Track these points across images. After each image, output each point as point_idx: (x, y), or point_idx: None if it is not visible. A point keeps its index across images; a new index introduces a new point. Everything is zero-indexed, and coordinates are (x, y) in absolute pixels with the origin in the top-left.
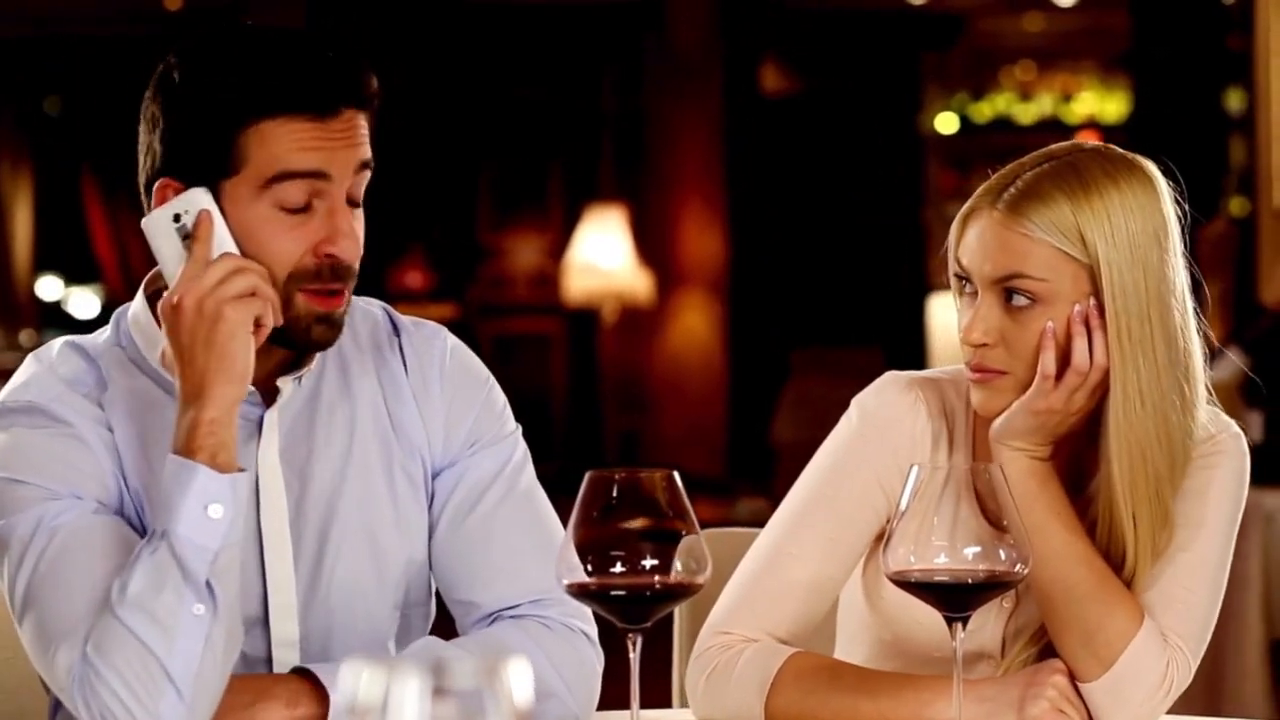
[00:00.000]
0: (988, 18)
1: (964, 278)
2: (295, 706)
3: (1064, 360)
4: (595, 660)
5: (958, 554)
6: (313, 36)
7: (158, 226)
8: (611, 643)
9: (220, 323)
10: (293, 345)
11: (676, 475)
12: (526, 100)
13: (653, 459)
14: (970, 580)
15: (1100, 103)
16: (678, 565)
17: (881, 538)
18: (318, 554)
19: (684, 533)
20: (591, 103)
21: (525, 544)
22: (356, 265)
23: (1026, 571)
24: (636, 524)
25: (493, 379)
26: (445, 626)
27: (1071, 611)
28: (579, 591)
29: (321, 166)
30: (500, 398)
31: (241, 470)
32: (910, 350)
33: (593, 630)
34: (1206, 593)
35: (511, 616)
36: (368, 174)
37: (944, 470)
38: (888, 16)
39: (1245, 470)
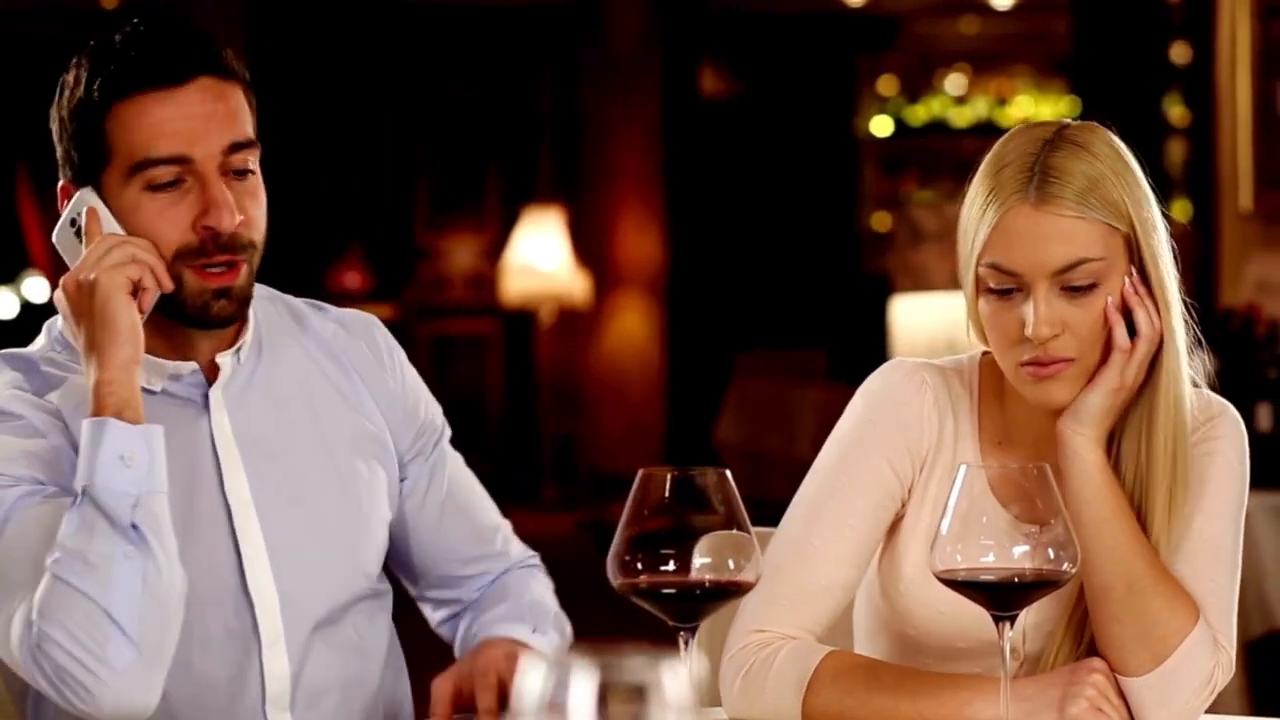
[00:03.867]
0: (924, 21)
1: (1003, 282)
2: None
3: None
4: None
5: (1005, 552)
6: (161, 16)
7: (60, 235)
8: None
9: (96, 291)
10: (199, 324)
11: (729, 474)
12: (464, 101)
13: (590, 461)
14: (1017, 579)
15: (1036, 106)
16: (729, 564)
17: (894, 528)
18: (285, 519)
19: (734, 531)
20: (529, 104)
21: (491, 512)
22: (249, 235)
23: (1075, 570)
24: (688, 522)
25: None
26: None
27: (1131, 604)
28: (630, 590)
29: (181, 151)
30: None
31: (155, 425)
32: (856, 352)
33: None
34: (1230, 584)
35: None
36: (251, 152)
37: (993, 468)
38: (825, 19)
39: (1245, 450)
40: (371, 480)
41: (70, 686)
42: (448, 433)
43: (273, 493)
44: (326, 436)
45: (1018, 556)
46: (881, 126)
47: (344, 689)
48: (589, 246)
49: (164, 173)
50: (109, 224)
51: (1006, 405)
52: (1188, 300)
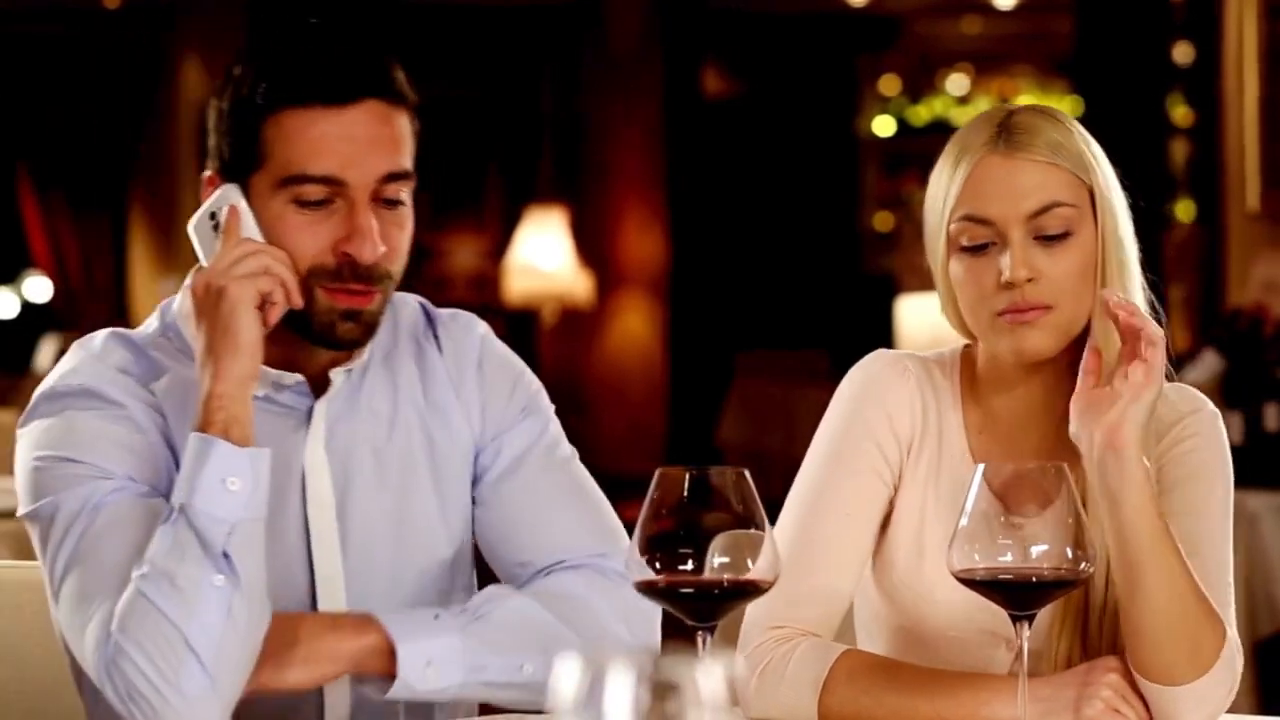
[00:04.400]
0: (925, 20)
1: (977, 236)
2: (363, 635)
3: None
4: (654, 607)
5: (1023, 552)
6: (338, 28)
7: (198, 225)
8: None
9: (223, 298)
10: (324, 342)
11: (747, 473)
12: (464, 101)
13: (591, 460)
14: (1035, 579)
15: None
16: (749, 563)
17: (888, 516)
18: (365, 544)
19: (754, 531)
20: (530, 104)
21: (571, 505)
22: (389, 266)
23: (1093, 569)
24: (705, 521)
25: (526, 367)
26: None
27: (1181, 622)
28: (647, 589)
29: (335, 172)
30: (534, 382)
31: (263, 448)
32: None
33: None
34: (1225, 581)
35: (569, 567)
36: (405, 184)
37: (1010, 467)
38: (827, 19)
39: (1224, 443)
40: (462, 507)
41: (139, 705)
42: (535, 456)
43: (355, 516)
44: (418, 466)
45: (1036, 556)
46: (883, 126)
47: (409, 712)
48: (591, 246)
49: (315, 191)
50: (248, 226)
51: (987, 395)
52: (1148, 278)
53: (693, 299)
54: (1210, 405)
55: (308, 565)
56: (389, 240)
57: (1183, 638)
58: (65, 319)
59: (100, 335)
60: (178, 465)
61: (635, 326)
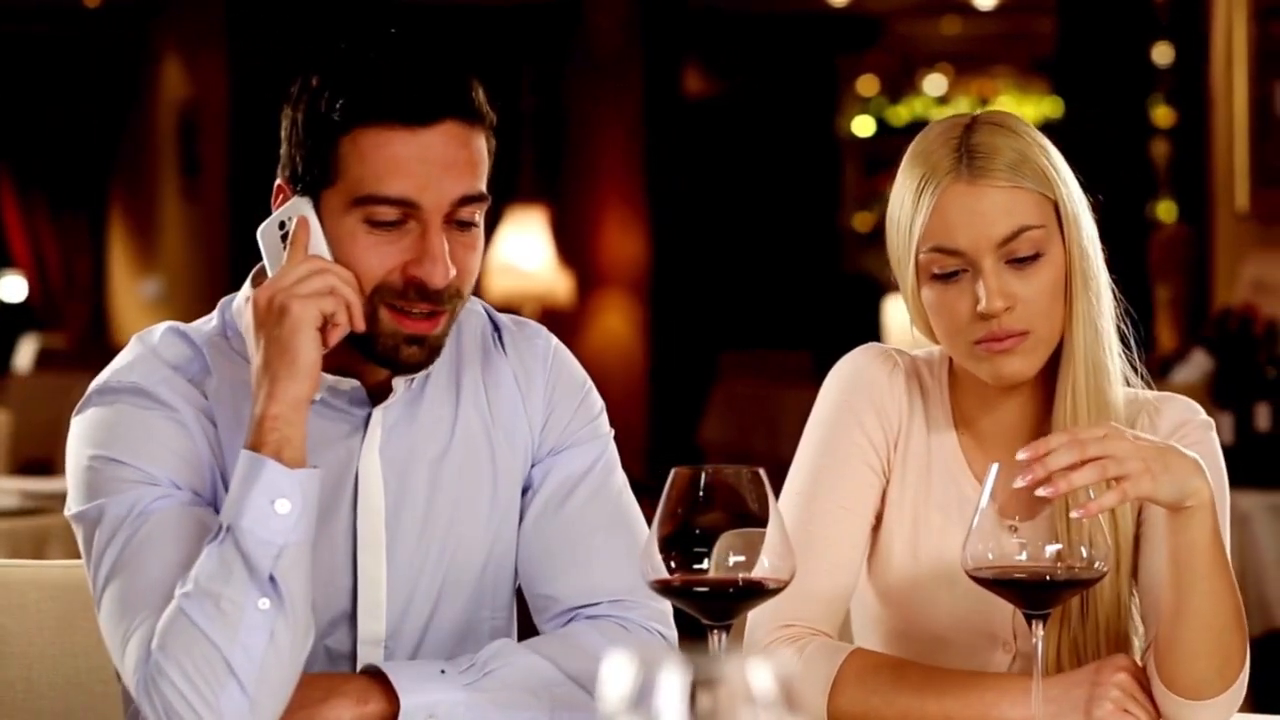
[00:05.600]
0: (906, 21)
1: (947, 265)
2: (365, 703)
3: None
4: None
5: (1038, 551)
6: (419, 45)
7: (266, 233)
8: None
9: (286, 317)
10: (385, 363)
11: (762, 472)
12: None
13: None
14: (1049, 577)
15: (1017, 106)
16: (764, 561)
17: (879, 515)
18: (411, 554)
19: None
20: (510, 102)
21: (610, 543)
22: (460, 287)
23: (1107, 568)
24: (721, 520)
25: (590, 382)
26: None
27: (1220, 639)
28: (663, 588)
29: (410, 195)
30: (598, 401)
31: (312, 468)
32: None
33: (672, 633)
34: None
35: (589, 616)
36: (479, 206)
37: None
38: (808, 19)
39: (1219, 455)
40: (506, 525)
41: None
42: (586, 484)
43: (404, 525)
44: (476, 477)
45: (1050, 555)
46: (863, 127)
47: None
48: (572, 246)
49: (388, 212)
50: (317, 242)
51: (971, 394)
52: (1119, 297)
53: (673, 299)
54: (1202, 414)
55: (351, 569)
56: (459, 262)
57: (1217, 654)
58: (44, 319)
59: (160, 329)
60: (222, 470)
61: (616, 326)
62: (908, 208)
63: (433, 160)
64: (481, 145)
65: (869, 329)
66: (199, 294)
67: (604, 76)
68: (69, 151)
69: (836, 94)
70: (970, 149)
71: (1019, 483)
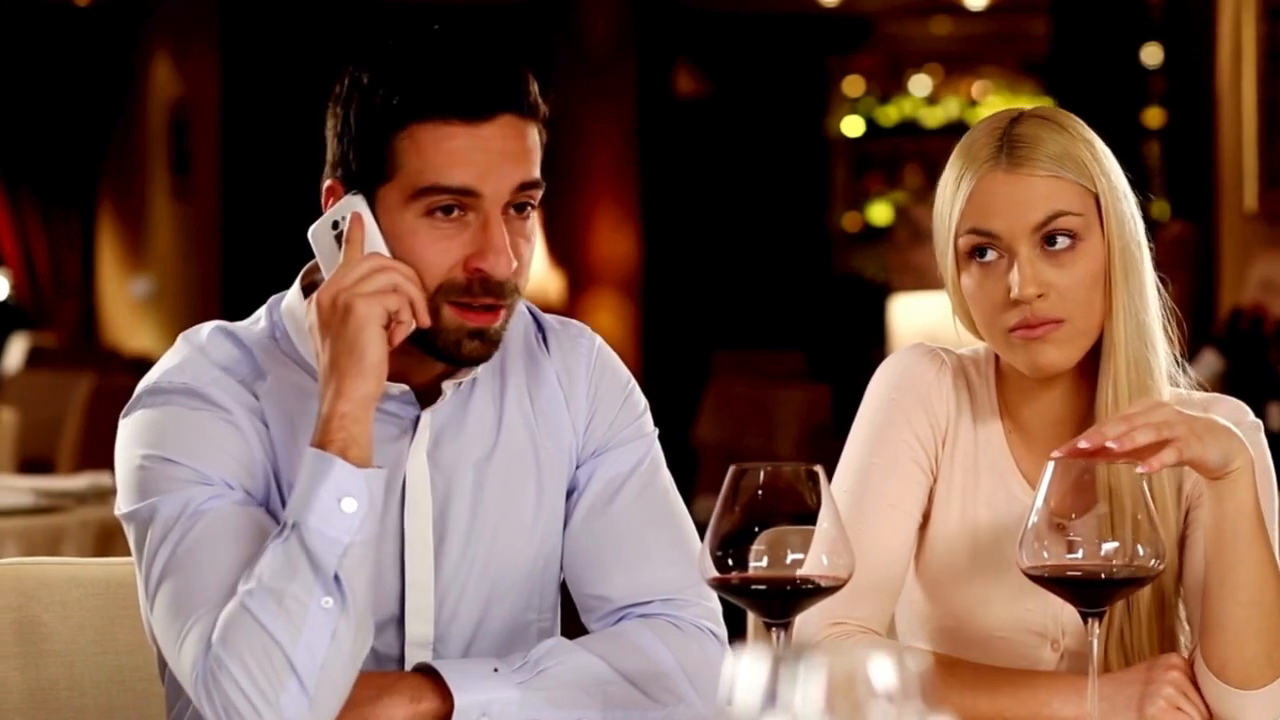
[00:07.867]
0: (896, 21)
1: (984, 247)
2: (419, 701)
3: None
4: (721, 662)
5: (1093, 549)
6: (472, 39)
7: (319, 233)
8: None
9: (350, 316)
10: (446, 358)
11: (820, 469)
12: None
13: None
14: (1105, 575)
15: (1006, 106)
16: (823, 559)
17: (926, 513)
18: (459, 556)
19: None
20: None
21: (659, 540)
22: (518, 281)
23: (1162, 566)
24: (779, 519)
25: (634, 381)
26: (571, 626)
27: (1261, 623)
28: (720, 585)
29: (471, 184)
30: (641, 400)
31: (378, 468)
32: (833, 352)
33: (722, 632)
34: None
35: (640, 615)
36: (536, 191)
37: (1080, 465)
38: (798, 20)
39: (1268, 455)
40: (552, 526)
41: None
42: (632, 484)
43: (452, 527)
44: (522, 479)
45: (1106, 553)
46: (853, 127)
47: None
48: (563, 246)
49: (449, 201)
50: (373, 238)
51: (1016, 390)
52: (1164, 295)
53: (664, 298)
54: (1251, 415)
55: (399, 572)
56: (517, 253)
57: (1266, 634)
58: (33, 317)
59: (206, 328)
60: (275, 472)
61: (607, 326)
62: (948, 195)
63: (490, 151)
64: (536, 137)
65: (859, 328)
66: (189, 292)
67: (595, 76)
68: (59, 149)
69: (826, 94)
70: (1012, 139)
71: (1083, 444)
